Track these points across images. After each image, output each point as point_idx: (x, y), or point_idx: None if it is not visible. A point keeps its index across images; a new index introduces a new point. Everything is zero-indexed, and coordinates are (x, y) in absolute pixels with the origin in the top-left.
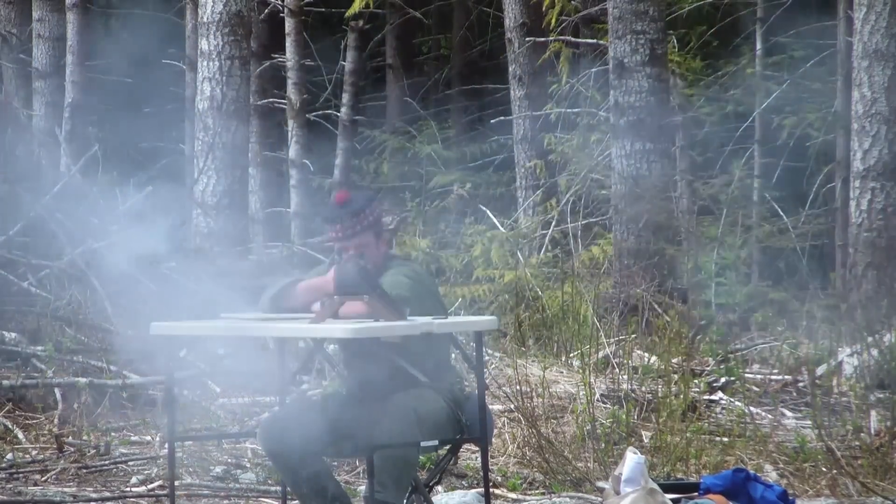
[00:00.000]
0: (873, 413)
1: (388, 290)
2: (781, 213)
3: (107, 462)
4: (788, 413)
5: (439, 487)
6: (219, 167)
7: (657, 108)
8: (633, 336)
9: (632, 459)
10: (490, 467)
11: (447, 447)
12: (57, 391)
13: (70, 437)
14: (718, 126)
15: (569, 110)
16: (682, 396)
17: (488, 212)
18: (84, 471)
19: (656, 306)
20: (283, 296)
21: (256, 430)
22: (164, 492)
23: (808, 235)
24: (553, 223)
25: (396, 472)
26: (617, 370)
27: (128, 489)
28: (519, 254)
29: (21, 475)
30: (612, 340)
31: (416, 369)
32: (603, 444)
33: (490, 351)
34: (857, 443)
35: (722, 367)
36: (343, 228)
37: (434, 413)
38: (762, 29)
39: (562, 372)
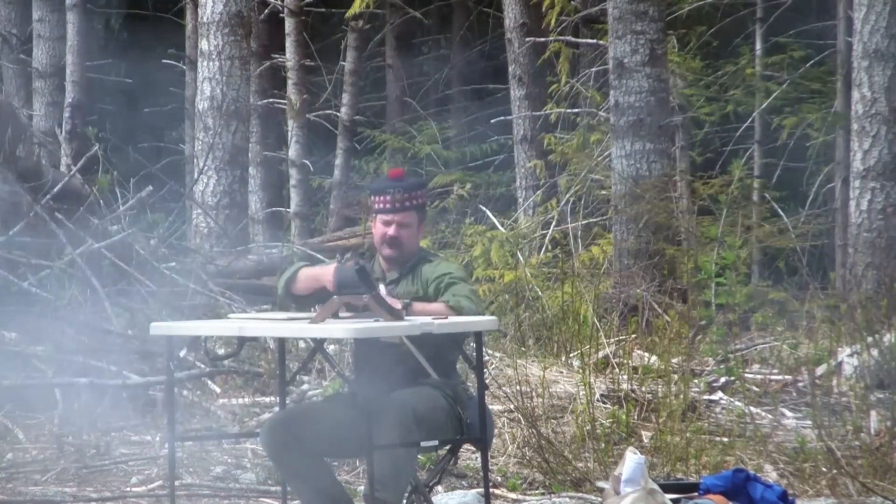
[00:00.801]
0: (873, 413)
1: (458, 280)
2: (781, 213)
3: (107, 462)
4: (788, 413)
5: (439, 487)
6: (219, 167)
7: (657, 108)
8: (633, 336)
9: (632, 459)
10: (490, 467)
11: (447, 447)
12: (57, 391)
13: (70, 437)
14: (718, 126)
15: (569, 110)
16: (682, 396)
17: (488, 212)
18: (84, 471)
19: (656, 306)
20: (293, 280)
21: (257, 430)
22: (164, 492)
23: (808, 235)
24: (553, 223)
25: (396, 471)
26: (617, 370)
27: (128, 489)
28: (519, 254)
29: (21, 475)
30: (611, 340)
31: (431, 366)
32: (603, 444)
33: (490, 351)
34: (857, 443)
35: (722, 367)
36: (393, 200)
37: (434, 413)
38: (762, 29)
39: (562, 372)
